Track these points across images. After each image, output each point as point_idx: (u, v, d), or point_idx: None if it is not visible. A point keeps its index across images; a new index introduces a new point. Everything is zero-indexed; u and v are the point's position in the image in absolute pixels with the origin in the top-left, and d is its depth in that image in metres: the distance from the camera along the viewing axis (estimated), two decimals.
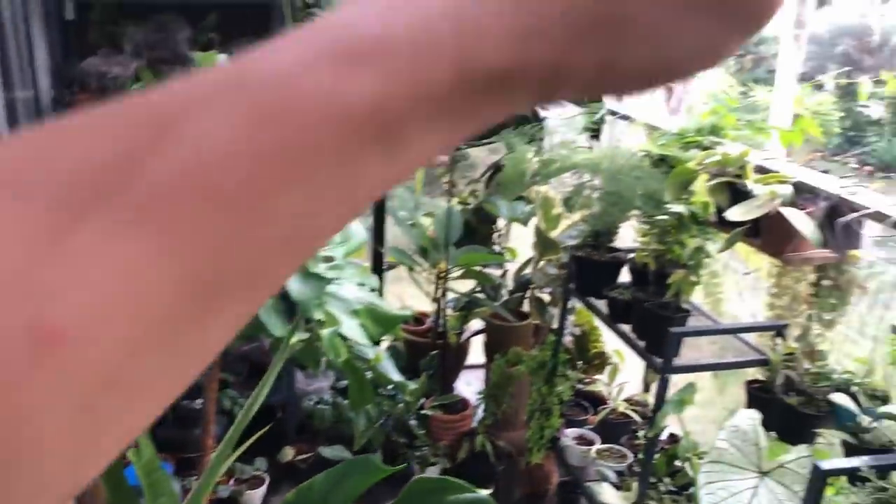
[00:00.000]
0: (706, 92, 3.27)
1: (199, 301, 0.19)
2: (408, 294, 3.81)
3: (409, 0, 0.22)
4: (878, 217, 1.85)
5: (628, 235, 2.68)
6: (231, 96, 0.19)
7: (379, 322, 1.50)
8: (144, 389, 0.19)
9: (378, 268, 3.48)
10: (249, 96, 0.19)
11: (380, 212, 3.34)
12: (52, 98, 2.85)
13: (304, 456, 2.95)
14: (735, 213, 1.91)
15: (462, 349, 3.51)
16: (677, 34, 0.23)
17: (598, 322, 3.24)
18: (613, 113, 3.35)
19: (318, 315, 1.23)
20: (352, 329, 1.40)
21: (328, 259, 1.52)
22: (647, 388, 3.08)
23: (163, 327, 0.18)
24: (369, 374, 1.75)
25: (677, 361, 2.09)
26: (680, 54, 0.24)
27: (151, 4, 3.01)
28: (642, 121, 2.93)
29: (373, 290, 1.68)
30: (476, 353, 3.63)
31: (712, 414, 2.90)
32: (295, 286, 1.21)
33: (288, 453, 2.96)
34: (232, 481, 2.85)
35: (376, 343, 1.76)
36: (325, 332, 1.28)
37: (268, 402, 2.94)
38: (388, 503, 0.95)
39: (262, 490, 2.82)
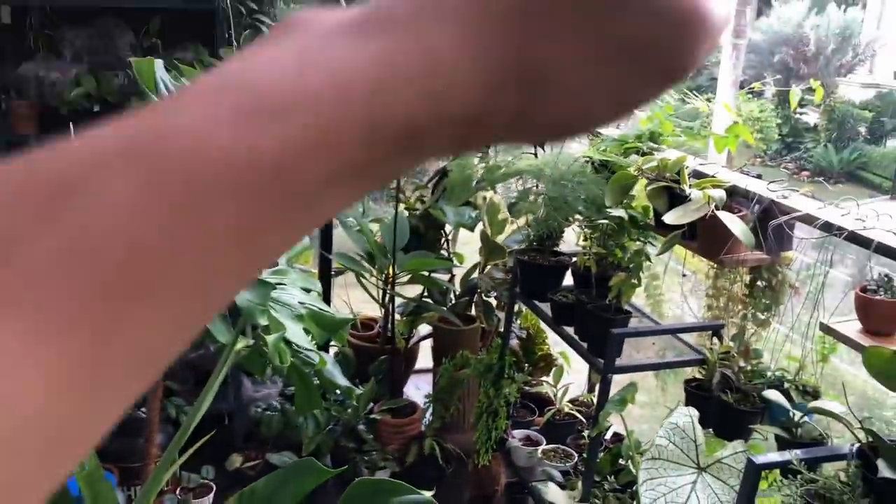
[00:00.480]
0: None
1: (80, 388, 0.17)
2: (356, 299, 3.81)
3: (324, 51, 0.21)
4: (808, 219, 1.93)
5: (572, 239, 2.73)
6: (129, 160, 0.18)
7: (324, 326, 1.51)
8: (27, 483, 0.17)
9: (325, 273, 3.47)
10: (148, 161, 0.19)
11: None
12: None
13: (253, 463, 2.93)
14: (672, 217, 1.97)
15: (411, 354, 3.53)
16: (593, 86, 0.24)
17: (543, 325, 3.29)
18: None
19: (262, 321, 1.24)
20: (296, 334, 1.41)
21: (272, 264, 1.52)
22: (591, 389, 3.13)
23: (39, 421, 0.17)
24: (316, 380, 1.76)
25: (619, 362, 2.15)
26: (596, 105, 0.24)
27: (92, 8, 2.97)
28: None
29: (318, 294, 1.68)
30: (425, 357, 3.65)
31: (657, 413, 2.96)
32: (240, 293, 1.21)
33: (235, 461, 2.94)
34: (178, 490, 2.81)
35: (322, 348, 1.76)
36: (270, 337, 1.28)
37: (215, 409, 2.92)
38: None
39: (210, 499, 2.79)
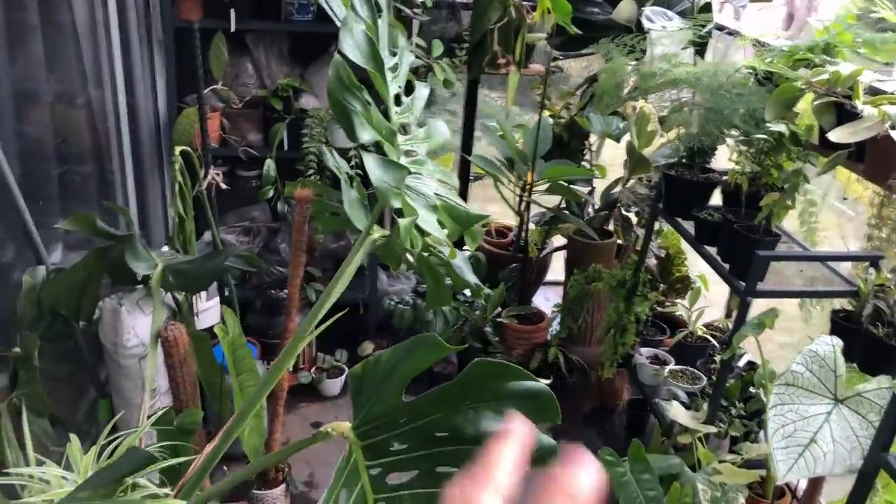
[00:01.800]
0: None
1: None
2: (493, 210, 3.81)
3: None
4: None
5: (722, 156, 2.58)
6: None
7: (457, 219, 1.51)
8: None
9: (464, 177, 3.49)
10: None
11: (469, 121, 3.32)
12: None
13: (382, 351, 3.05)
14: (839, 135, 1.81)
15: (542, 264, 3.51)
16: None
17: (684, 246, 3.18)
18: (721, 28, 3.18)
19: (396, 203, 1.25)
20: (429, 223, 1.42)
21: (410, 153, 1.53)
22: (728, 315, 3.02)
23: None
24: (447, 278, 1.78)
25: (762, 286, 2.04)
26: None
27: None
28: (752, 37, 2.77)
29: (454, 189, 1.69)
30: (557, 269, 3.62)
31: (797, 347, 2.83)
32: (375, 173, 1.22)
33: (367, 347, 3.08)
34: (313, 369, 2.99)
35: (456, 248, 1.78)
36: (402, 221, 1.30)
37: (352, 298, 3.05)
38: (448, 383, 0.98)
39: (341, 379, 2.96)
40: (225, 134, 2.88)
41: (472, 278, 1.75)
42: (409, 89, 1.57)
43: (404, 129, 1.56)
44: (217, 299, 2.67)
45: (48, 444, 1.67)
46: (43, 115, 2.40)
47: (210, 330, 2.25)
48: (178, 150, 2.17)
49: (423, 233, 1.43)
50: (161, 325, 1.80)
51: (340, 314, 1.67)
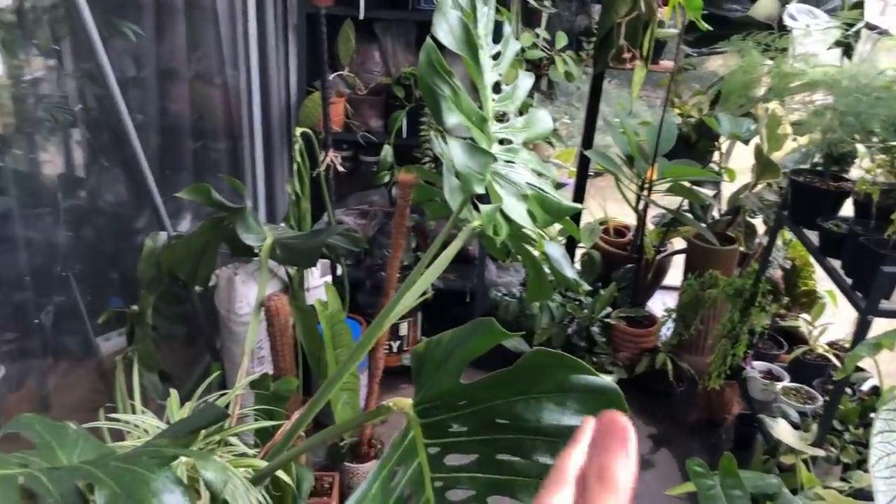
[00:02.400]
0: None
1: None
2: (611, 208, 3.74)
3: None
4: None
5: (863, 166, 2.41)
6: None
7: (547, 210, 1.49)
8: None
9: (583, 172, 3.44)
10: None
11: (591, 115, 3.27)
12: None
13: (446, 332, 3.06)
14: None
15: (660, 267, 3.41)
16: None
17: (812, 259, 2.99)
18: (872, 27, 2.96)
19: (479, 189, 1.26)
20: (517, 212, 1.41)
21: (505, 142, 1.53)
22: None
23: None
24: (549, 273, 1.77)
25: (885, 305, 1.90)
26: None
27: None
28: None
29: (550, 180, 1.67)
30: (676, 274, 3.50)
31: None
32: (459, 158, 1.23)
33: None
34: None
35: (569, 248, 1.75)
36: (485, 207, 1.30)
37: (460, 286, 3.08)
38: (502, 370, 0.98)
39: None
40: (348, 119, 2.98)
41: (570, 273, 1.73)
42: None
43: (502, 117, 1.56)
44: (329, 278, 2.77)
45: (156, 397, 1.79)
46: (182, 92, 2.57)
47: None
48: (298, 131, 2.26)
49: (510, 221, 1.43)
50: (265, 294, 1.89)
51: (425, 296, 1.69)
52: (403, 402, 1.10)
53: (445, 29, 1.23)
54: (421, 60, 1.20)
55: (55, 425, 1.14)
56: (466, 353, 1.02)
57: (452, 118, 1.23)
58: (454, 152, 1.22)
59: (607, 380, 1.05)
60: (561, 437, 1.06)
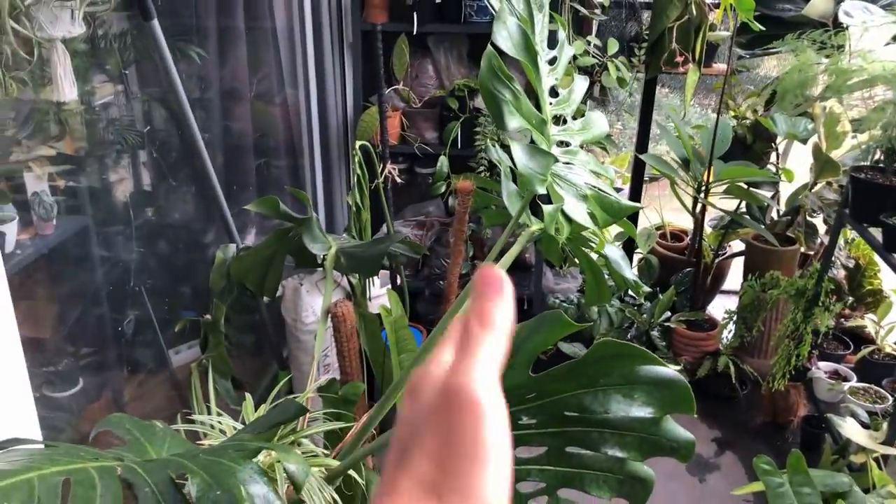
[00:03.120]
0: None
1: None
2: (668, 212, 3.73)
3: None
4: None
5: None
6: None
7: (607, 210, 1.52)
8: None
9: (638, 177, 3.44)
10: None
11: (645, 120, 3.27)
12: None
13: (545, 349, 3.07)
14: None
15: (719, 270, 3.38)
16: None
17: (877, 258, 2.94)
18: None
19: (541, 189, 1.29)
20: (578, 212, 1.44)
21: (563, 144, 1.56)
22: None
23: None
24: (608, 276, 1.79)
25: None
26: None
27: None
28: None
29: (609, 180, 1.70)
30: (735, 278, 3.47)
31: None
32: (521, 159, 1.27)
33: None
34: None
35: (628, 253, 1.77)
36: (547, 207, 1.33)
37: (518, 292, 3.10)
38: (569, 361, 1.01)
39: None
40: (404, 132, 3.04)
41: (629, 274, 1.75)
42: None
43: (559, 120, 1.59)
44: (389, 287, 2.82)
45: (229, 402, 1.86)
46: (245, 111, 2.67)
47: (380, 314, 2.39)
48: (357, 144, 2.33)
49: (571, 221, 1.45)
50: (332, 302, 1.95)
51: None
52: None
53: (505, 35, 1.27)
54: (483, 67, 1.24)
55: (144, 423, 1.21)
56: (536, 346, 1.05)
57: (514, 121, 1.27)
58: (516, 154, 1.25)
59: (673, 371, 1.08)
60: (629, 430, 1.08)
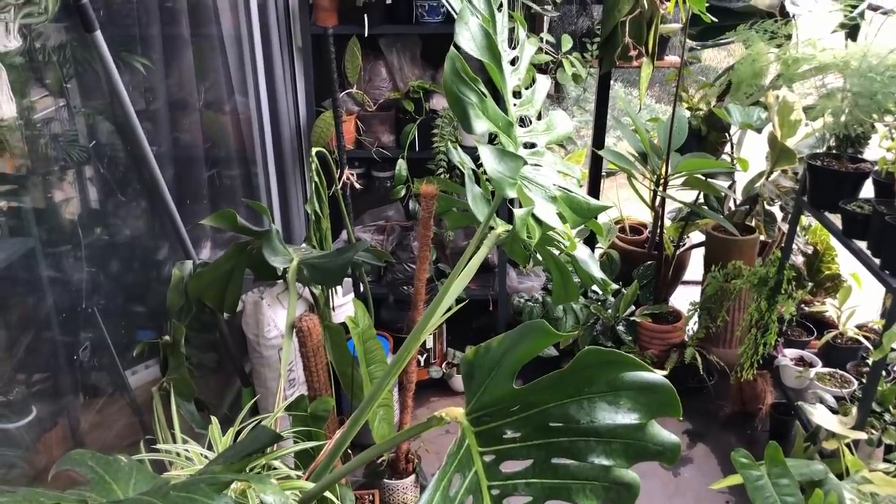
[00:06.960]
0: None
1: None
2: (626, 205, 3.73)
3: None
4: None
5: (873, 145, 2.40)
6: None
7: (577, 211, 1.49)
8: None
9: (596, 173, 3.43)
10: None
11: (601, 115, 3.27)
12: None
13: (494, 338, 3.05)
14: None
15: (680, 262, 3.39)
16: None
17: (834, 242, 2.98)
18: (874, 8, 2.96)
19: (511, 193, 1.25)
20: (548, 214, 1.41)
21: (529, 145, 1.53)
22: (885, 315, 2.80)
23: None
24: (574, 274, 1.76)
25: None
26: None
27: None
28: None
29: (576, 180, 1.67)
30: (695, 269, 3.49)
31: None
32: (490, 163, 1.23)
33: None
34: (444, 365, 3.03)
35: (590, 245, 1.75)
36: (518, 210, 1.30)
37: (482, 295, 3.07)
38: (554, 372, 0.97)
39: None
40: (360, 136, 2.98)
41: (597, 272, 1.73)
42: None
43: (524, 121, 1.55)
44: (352, 295, 2.76)
45: (194, 426, 1.79)
46: (194, 121, 2.58)
47: (345, 324, 2.34)
48: (314, 151, 2.27)
49: (541, 224, 1.42)
50: (296, 316, 1.88)
51: (459, 306, 1.69)
52: (455, 411, 1.09)
53: (467, 36, 1.23)
54: (446, 69, 1.20)
55: (107, 459, 1.14)
56: (519, 358, 1.01)
57: (480, 125, 1.23)
58: (485, 158, 1.21)
59: (658, 375, 1.05)
60: (615, 437, 1.06)
